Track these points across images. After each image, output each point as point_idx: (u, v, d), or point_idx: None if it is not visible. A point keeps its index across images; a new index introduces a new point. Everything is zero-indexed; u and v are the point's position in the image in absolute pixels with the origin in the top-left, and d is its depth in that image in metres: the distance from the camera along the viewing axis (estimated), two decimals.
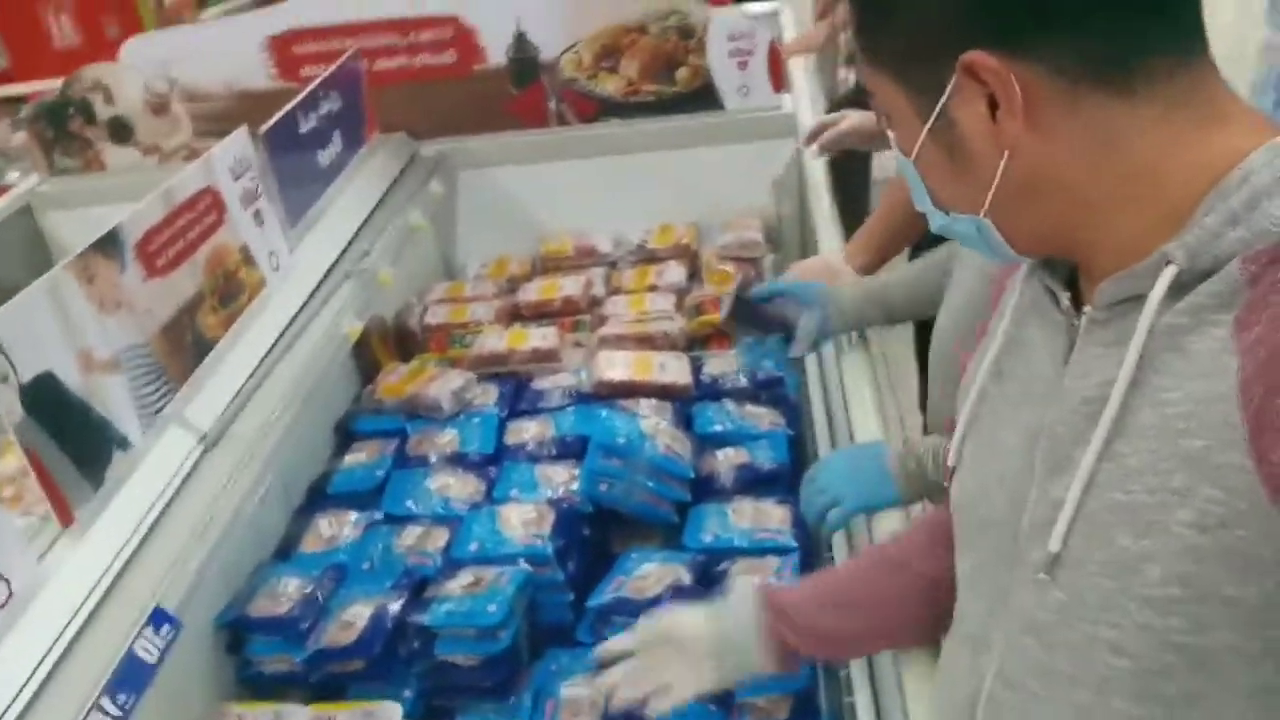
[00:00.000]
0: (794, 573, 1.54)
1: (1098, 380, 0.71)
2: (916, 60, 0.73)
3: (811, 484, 1.49)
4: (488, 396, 2.07)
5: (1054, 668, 0.76)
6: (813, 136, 2.31)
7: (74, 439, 1.32)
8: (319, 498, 1.89)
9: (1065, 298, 0.77)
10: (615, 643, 1.25)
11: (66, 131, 2.63)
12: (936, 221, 0.81)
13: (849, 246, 2.06)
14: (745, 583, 1.25)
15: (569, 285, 2.48)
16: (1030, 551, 0.76)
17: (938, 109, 0.72)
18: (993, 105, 0.69)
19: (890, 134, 0.80)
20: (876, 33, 0.76)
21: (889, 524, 1.38)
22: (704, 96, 2.58)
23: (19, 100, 3.26)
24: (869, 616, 1.15)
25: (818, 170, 2.46)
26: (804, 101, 2.68)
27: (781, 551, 1.61)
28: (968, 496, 0.88)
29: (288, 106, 1.99)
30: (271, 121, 1.92)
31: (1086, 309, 0.74)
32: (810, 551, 1.62)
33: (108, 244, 1.44)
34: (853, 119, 2.26)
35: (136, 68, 2.55)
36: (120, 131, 2.62)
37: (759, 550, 1.62)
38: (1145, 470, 0.67)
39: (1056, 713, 0.77)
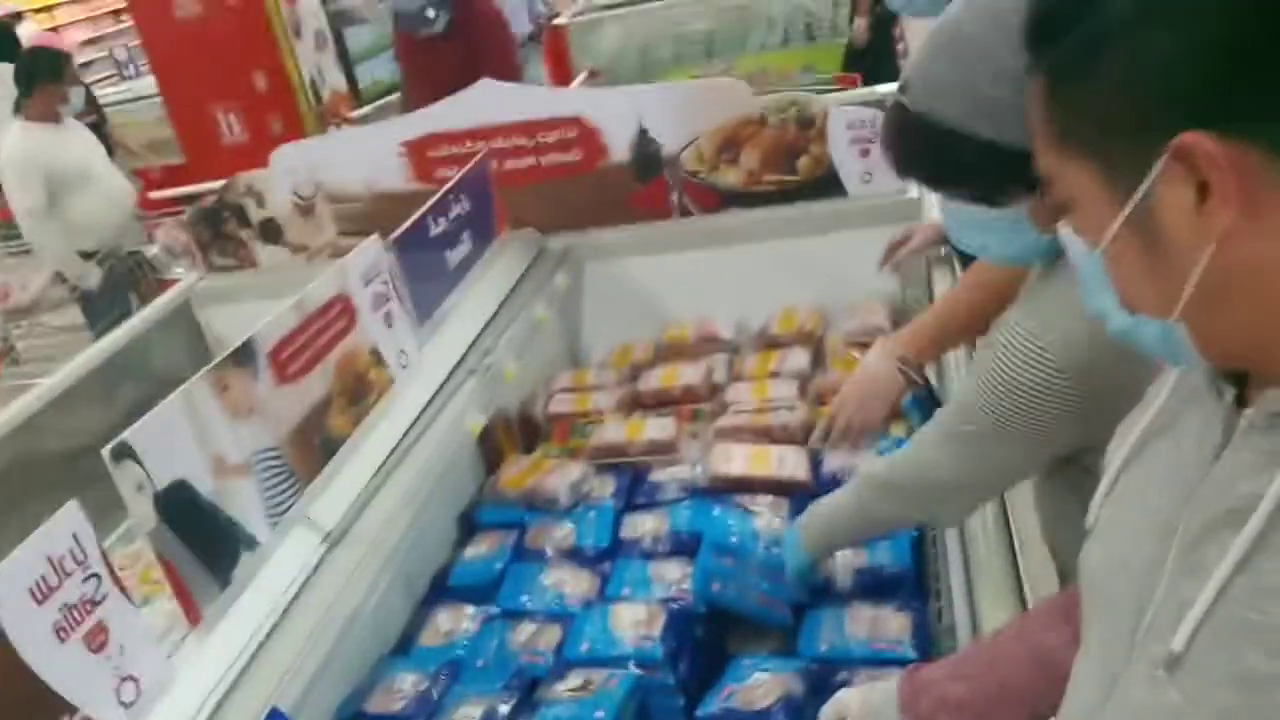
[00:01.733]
0: None
1: (1245, 491, 0.66)
2: (1118, 136, 0.65)
3: None
4: (605, 488, 2.08)
5: None
6: (887, 259, 2.32)
7: (204, 541, 1.40)
8: (441, 589, 1.94)
9: (1230, 393, 0.71)
10: None
11: (222, 233, 2.84)
12: (1118, 323, 0.73)
13: (902, 338, 1.82)
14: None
15: (689, 373, 2.49)
16: (1150, 645, 0.72)
17: (1140, 193, 0.65)
18: (1201, 191, 0.62)
19: (1065, 227, 0.73)
20: (1073, 104, 0.68)
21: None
22: (826, 184, 2.57)
23: (194, 199, 3.51)
24: (986, 685, 1.11)
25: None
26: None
27: (901, 664, 1.55)
28: (1093, 570, 0.85)
29: (418, 213, 2.09)
30: (403, 228, 2.02)
31: (1249, 410, 0.68)
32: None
33: (242, 354, 1.53)
34: (923, 233, 2.26)
35: (285, 173, 2.74)
36: (271, 232, 2.80)
37: (877, 661, 1.57)
38: None
39: None
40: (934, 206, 2.52)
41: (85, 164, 3.99)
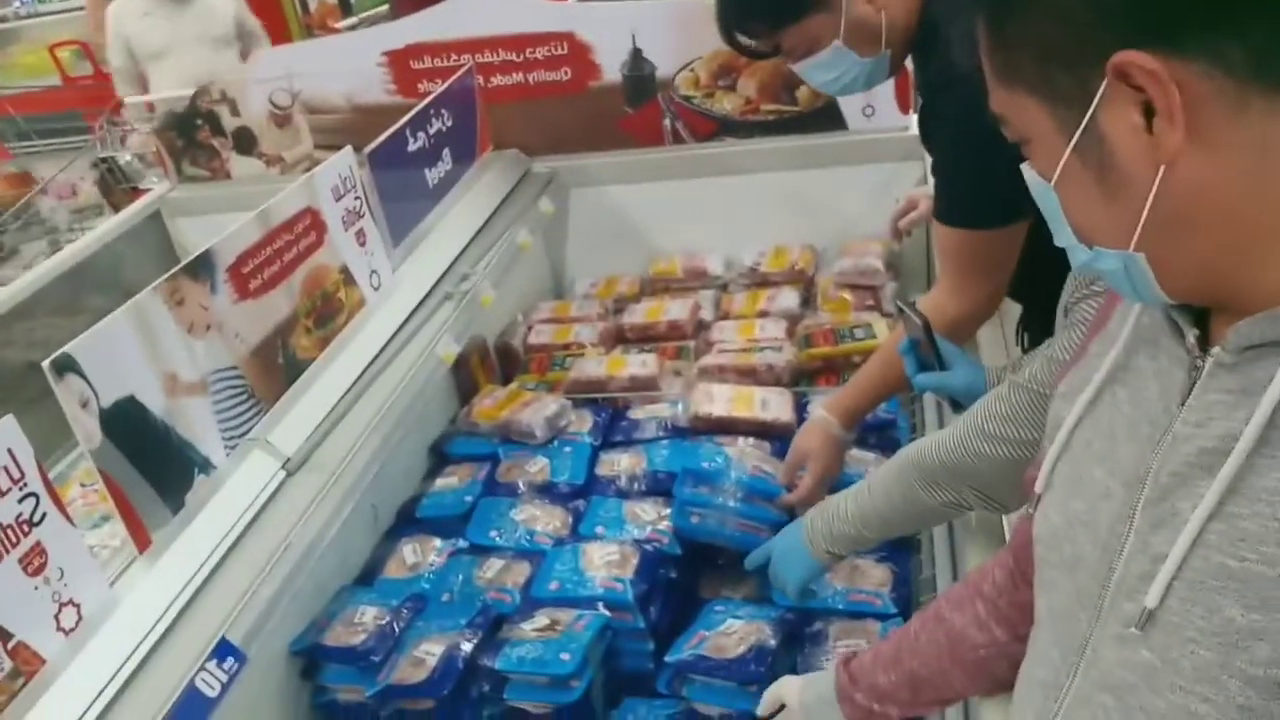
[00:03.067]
0: None
1: (1219, 432, 0.64)
2: (1058, 65, 0.64)
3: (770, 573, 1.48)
4: (582, 424, 2.02)
5: None
6: (892, 229, 2.19)
7: (154, 463, 1.33)
8: (408, 521, 1.88)
9: (1192, 334, 0.69)
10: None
11: (195, 141, 2.71)
12: (1079, 258, 0.71)
13: (832, 401, 1.71)
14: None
15: (675, 309, 2.42)
16: (1121, 603, 0.70)
17: (1085, 120, 0.64)
18: (1148, 113, 0.61)
19: (1027, 163, 0.72)
20: (1011, 39, 0.67)
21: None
22: (826, 116, 2.47)
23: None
24: (908, 670, 1.11)
25: None
26: None
27: (880, 617, 1.51)
28: (1051, 531, 0.81)
29: (395, 126, 1.99)
30: (378, 141, 1.92)
31: (1214, 349, 0.66)
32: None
33: (199, 267, 1.44)
34: (929, 201, 2.16)
35: (261, 81, 2.61)
36: (245, 142, 2.68)
37: (854, 613, 1.52)
38: (1265, 538, 0.60)
39: None
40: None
41: (166, 41, 4.10)
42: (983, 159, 1.43)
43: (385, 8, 5.43)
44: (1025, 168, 0.72)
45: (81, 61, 6.26)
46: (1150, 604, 0.66)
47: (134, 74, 4.26)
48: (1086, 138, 0.64)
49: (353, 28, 5.56)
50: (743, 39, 1.57)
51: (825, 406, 1.69)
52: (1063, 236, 0.72)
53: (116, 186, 3.62)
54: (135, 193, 3.32)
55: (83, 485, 2.06)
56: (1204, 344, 0.68)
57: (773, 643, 1.45)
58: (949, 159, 1.54)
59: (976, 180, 1.44)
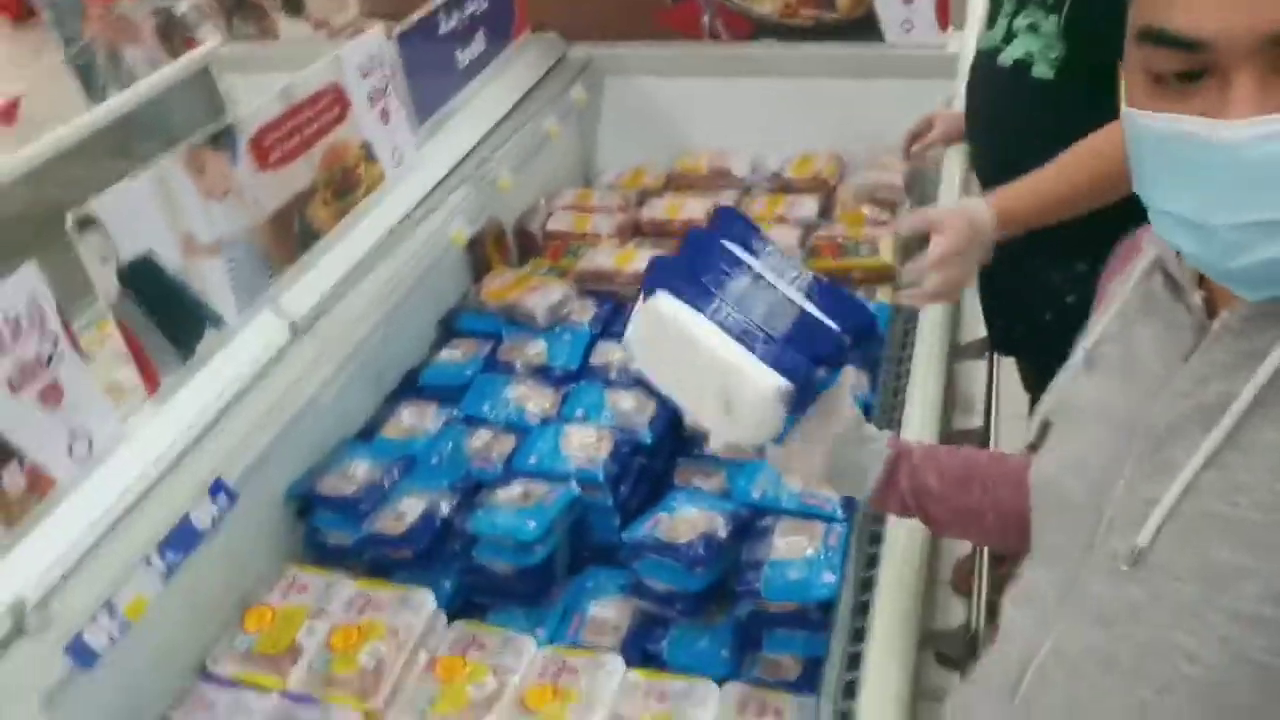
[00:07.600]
0: (840, 543, 1.54)
1: (1218, 390, 0.67)
2: None
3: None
4: (585, 312, 2.11)
5: (1117, 660, 0.74)
6: (906, 150, 2.20)
7: (167, 314, 1.45)
8: (411, 387, 2.00)
9: (1198, 295, 0.71)
10: None
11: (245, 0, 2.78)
12: None
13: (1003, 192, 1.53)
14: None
15: (693, 206, 2.47)
16: (1111, 540, 0.74)
17: None
18: None
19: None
20: None
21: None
22: (864, 26, 2.46)
23: None
24: (952, 507, 1.08)
25: None
26: (972, 42, 2.50)
27: (827, 519, 1.61)
28: (1045, 477, 0.86)
29: (428, 7, 2.03)
30: (408, 22, 1.97)
31: (1223, 314, 0.69)
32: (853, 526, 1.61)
33: (221, 138, 1.53)
34: (944, 121, 2.12)
35: None
36: (294, 4, 2.74)
37: (804, 514, 1.62)
38: (1257, 486, 0.64)
39: (1107, 704, 0.75)
40: (961, 79, 2.40)
41: None
42: None
43: None
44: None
45: None
46: (1141, 543, 0.69)
47: None
48: None
49: None
50: None
51: (986, 199, 1.52)
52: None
53: (174, 35, 3.71)
54: (190, 42, 3.40)
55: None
56: (1208, 308, 0.71)
57: (722, 534, 1.56)
58: None
59: None
